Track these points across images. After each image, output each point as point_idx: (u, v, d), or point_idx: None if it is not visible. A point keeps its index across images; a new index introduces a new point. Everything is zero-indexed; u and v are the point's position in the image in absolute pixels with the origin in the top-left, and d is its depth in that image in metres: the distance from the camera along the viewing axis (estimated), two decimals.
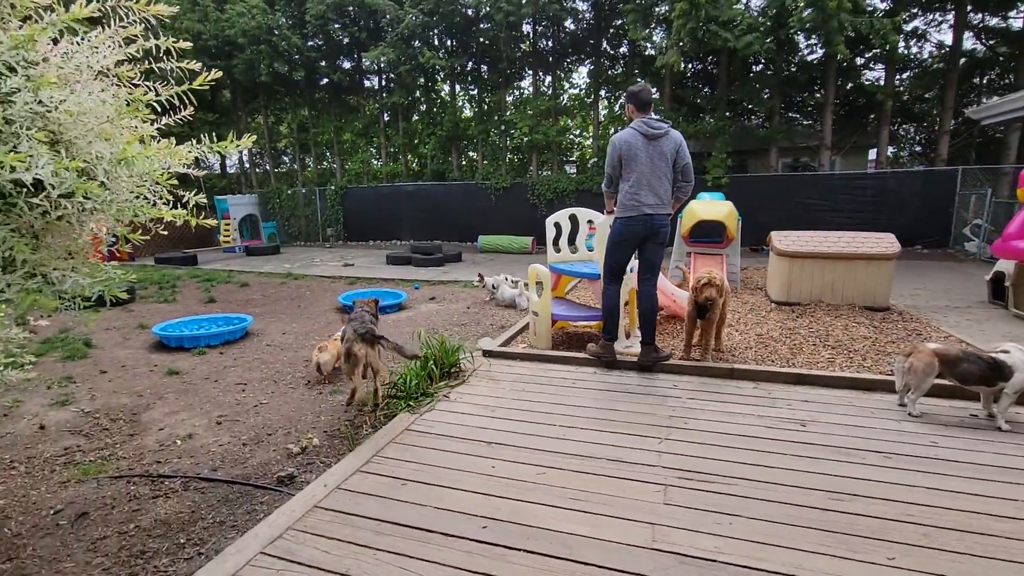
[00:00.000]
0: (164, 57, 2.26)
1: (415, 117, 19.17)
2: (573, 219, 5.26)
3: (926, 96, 15.58)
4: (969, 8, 13.11)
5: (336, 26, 16.63)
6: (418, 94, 18.27)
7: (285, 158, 23.12)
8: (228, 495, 2.69)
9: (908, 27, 14.30)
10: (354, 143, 20.83)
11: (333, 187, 17.86)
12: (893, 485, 2.44)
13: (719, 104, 13.85)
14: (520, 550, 2.02)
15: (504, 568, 1.93)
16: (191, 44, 2.29)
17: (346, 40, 16.94)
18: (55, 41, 2.04)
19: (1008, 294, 5.76)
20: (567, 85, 18.66)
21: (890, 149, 14.71)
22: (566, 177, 15.47)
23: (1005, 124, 11.21)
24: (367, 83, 19.12)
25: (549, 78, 17.25)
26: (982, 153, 14.78)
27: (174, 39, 2.25)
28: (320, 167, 21.22)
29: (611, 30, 15.65)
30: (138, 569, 2.14)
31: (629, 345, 4.55)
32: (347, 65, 18.18)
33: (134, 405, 3.96)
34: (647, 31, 13.45)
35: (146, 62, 2.30)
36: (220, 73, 2.23)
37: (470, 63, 16.77)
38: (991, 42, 14.55)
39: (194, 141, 2.31)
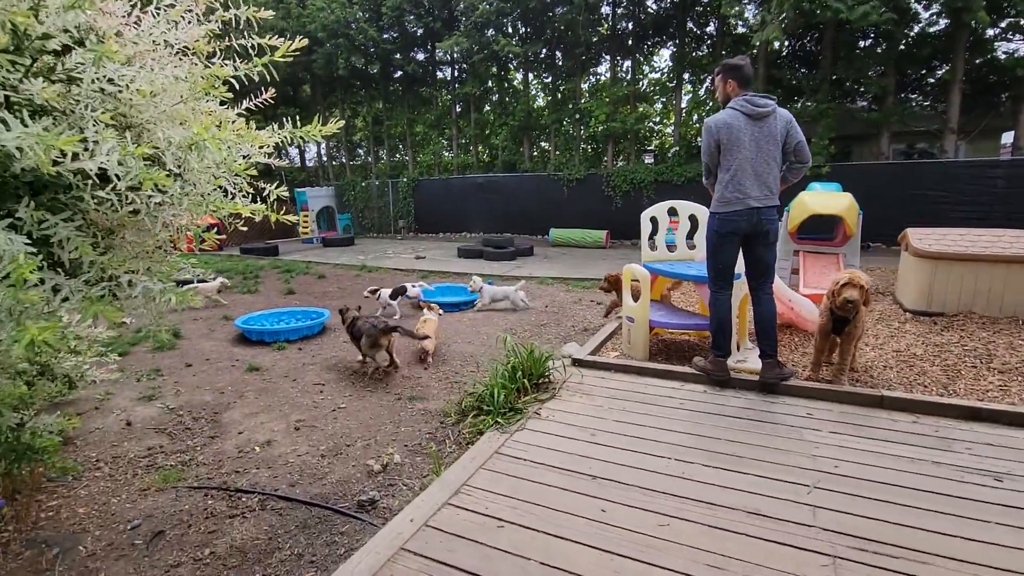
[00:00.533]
0: (244, 34, 1.98)
1: (487, 107, 18.89)
2: (673, 213, 4.69)
3: None
4: None
5: (411, 17, 16.61)
6: (490, 83, 17.96)
7: (360, 151, 23.66)
8: (307, 520, 2.44)
9: None
10: (426, 135, 20.90)
11: (405, 179, 17.98)
12: None
13: (821, 84, 12.49)
14: None
15: None
16: (272, 12, 2.00)
17: (420, 31, 16.90)
18: (128, 13, 1.80)
19: None
20: (647, 69, 17.65)
21: None
22: (644, 167, 14.59)
23: None
24: (440, 74, 19.03)
25: (628, 63, 16.35)
26: None
27: (255, 8, 1.97)
28: (392, 159, 21.50)
29: (697, 7, 14.55)
30: None
31: (742, 360, 3.95)
32: (420, 57, 18.17)
33: (216, 403, 3.87)
34: (739, 6, 12.32)
35: (225, 39, 2.04)
36: (306, 41, 1.92)
37: (544, 50, 16.22)
38: None
39: (275, 126, 2.03)
